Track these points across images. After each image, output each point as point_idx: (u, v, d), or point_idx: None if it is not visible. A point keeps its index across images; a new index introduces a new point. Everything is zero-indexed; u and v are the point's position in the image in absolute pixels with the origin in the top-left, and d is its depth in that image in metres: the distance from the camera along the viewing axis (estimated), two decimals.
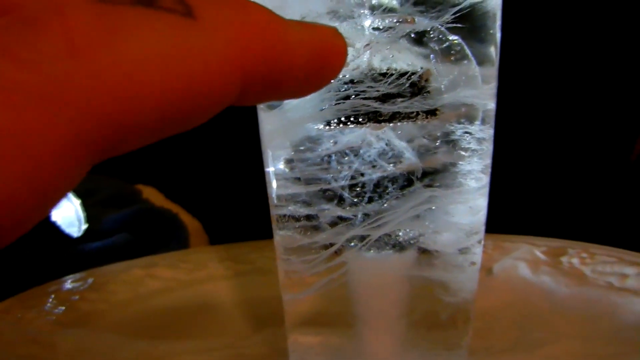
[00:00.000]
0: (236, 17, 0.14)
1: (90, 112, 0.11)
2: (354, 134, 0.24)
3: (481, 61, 0.25)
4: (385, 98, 0.23)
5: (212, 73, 0.13)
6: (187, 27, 0.13)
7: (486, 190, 0.26)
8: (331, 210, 0.24)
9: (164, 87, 0.12)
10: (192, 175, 0.62)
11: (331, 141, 0.24)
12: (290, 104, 0.24)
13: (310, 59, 0.15)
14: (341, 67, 0.16)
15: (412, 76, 0.23)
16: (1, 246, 0.12)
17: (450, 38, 0.24)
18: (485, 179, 0.26)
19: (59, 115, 0.11)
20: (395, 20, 0.23)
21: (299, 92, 0.17)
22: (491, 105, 0.26)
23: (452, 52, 0.24)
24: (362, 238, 0.25)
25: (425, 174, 0.24)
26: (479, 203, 0.26)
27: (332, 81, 0.23)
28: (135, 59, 0.12)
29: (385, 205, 0.24)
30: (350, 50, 0.23)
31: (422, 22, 0.23)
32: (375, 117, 0.23)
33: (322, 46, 0.16)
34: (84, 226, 0.50)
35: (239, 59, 0.13)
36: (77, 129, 0.11)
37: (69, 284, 0.38)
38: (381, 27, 0.23)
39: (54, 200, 0.12)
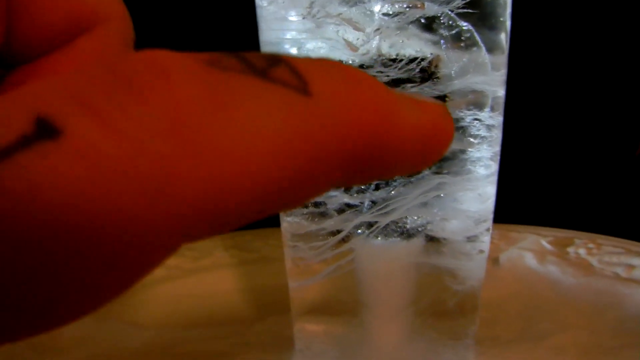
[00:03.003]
0: (351, 95, 0.12)
1: (188, 200, 0.10)
2: None
3: (491, 48, 0.24)
4: (395, 83, 0.23)
5: (322, 158, 0.12)
6: (302, 107, 0.11)
7: (495, 178, 0.26)
8: (338, 196, 0.24)
9: (271, 174, 0.11)
10: None
11: None
12: None
13: (419, 142, 0.14)
14: (446, 150, 0.15)
15: (422, 62, 0.23)
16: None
17: (460, 24, 0.24)
18: (494, 167, 0.26)
19: (152, 200, 0.10)
20: (405, 6, 0.23)
21: (401, 173, 0.15)
22: (501, 92, 0.25)
23: (462, 38, 0.24)
24: (370, 225, 0.24)
25: None
26: (488, 190, 0.26)
27: None
28: (245, 143, 0.10)
29: (392, 192, 0.24)
30: (360, 35, 0.23)
31: (432, 8, 0.23)
32: None
33: (432, 128, 0.14)
34: None
35: (350, 143, 0.12)
36: (171, 215, 0.10)
37: None
38: (391, 13, 0.23)
39: (137, 280, 0.11)
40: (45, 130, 0.09)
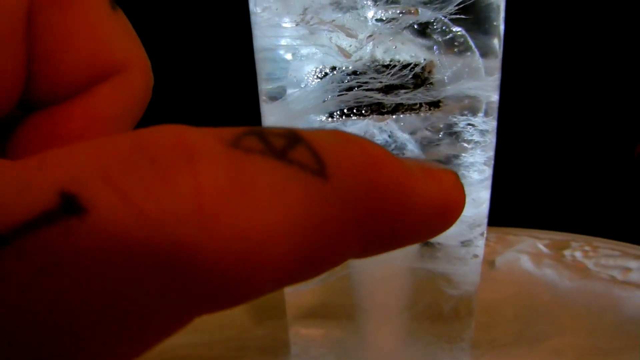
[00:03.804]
0: (368, 175, 0.12)
1: (207, 282, 0.10)
2: (356, 126, 0.24)
3: (484, 53, 0.25)
4: (388, 89, 0.23)
5: (339, 237, 0.12)
6: (320, 191, 0.11)
7: (489, 183, 0.26)
8: None
9: (290, 255, 0.11)
10: None
11: None
12: (292, 95, 0.24)
13: (432, 213, 0.14)
14: (458, 218, 0.15)
15: (415, 67, 0.23)
16: None
17: (454, 29, 0.24)
18: (488, 171, 0.26)
19: (171, 281, 0.10)
20: (398, 12, 0.23)
21: (415, 242, 0.16)
22: (494, 97, 0.25)
23: (455, 43, 0.24)
24: None
25: None
26: (482, 195, 0.26)
27: (334, 73, 0.23)
28: (263, 228, 0.11)
29: None
30: (353, 42, 0.23)
31: (426, 14, 0.23)
32: (378, 109, 0.23)
33: (444, 199, 0.14)
34: None
35: (367, 221, 0.12)
36: (189, 295, 0.10)
37: None
38: (384, 19, 0.23)
39: (150, 348, 0.11)
40: (70, 206, 0.09)
